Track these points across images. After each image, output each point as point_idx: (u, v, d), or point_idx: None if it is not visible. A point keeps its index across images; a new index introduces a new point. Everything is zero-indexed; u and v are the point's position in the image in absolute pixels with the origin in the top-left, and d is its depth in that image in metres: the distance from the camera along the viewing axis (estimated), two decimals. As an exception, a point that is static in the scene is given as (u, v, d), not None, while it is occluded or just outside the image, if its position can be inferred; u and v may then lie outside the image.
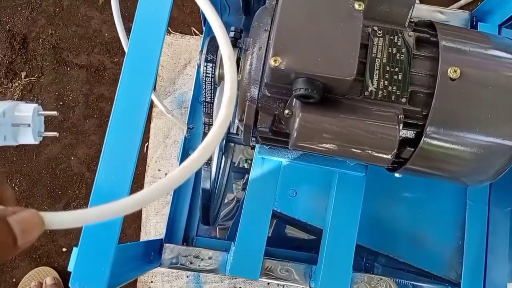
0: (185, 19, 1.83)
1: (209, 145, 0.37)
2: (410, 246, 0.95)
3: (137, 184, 1.67)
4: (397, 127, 0.58)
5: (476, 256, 0.88)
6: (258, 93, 0.62)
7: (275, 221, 1.51)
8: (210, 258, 0.86)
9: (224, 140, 1.29)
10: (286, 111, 0.61)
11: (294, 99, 0.59)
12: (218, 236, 1.52)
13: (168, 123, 1.70)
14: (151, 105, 1.70)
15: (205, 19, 1.31)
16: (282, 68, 0.54)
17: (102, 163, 0.70)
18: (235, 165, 1.53)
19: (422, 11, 1.06)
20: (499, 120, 0.61)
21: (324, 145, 0.58)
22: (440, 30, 0.64)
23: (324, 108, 0.58)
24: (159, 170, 1.66)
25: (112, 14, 1.02)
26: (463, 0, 1.94)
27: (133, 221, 1.64)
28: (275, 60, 0.54)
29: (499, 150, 0.62)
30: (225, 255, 0.85)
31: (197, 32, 1.79)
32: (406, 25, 0.64)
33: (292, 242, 1.45)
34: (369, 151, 0.58)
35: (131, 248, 0.78)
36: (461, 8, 1.89)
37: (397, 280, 0.87)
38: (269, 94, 0.62)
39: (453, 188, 0.95)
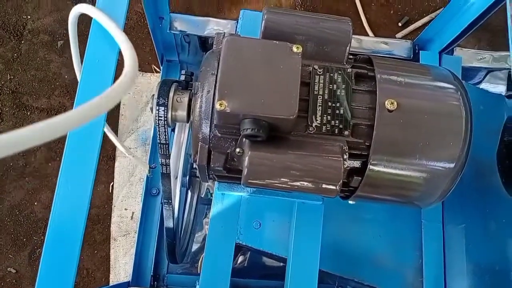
0: (145, 57, 1.86)
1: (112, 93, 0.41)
2: (373, 269, 0.98)
3: (104, 224, 1.65)
4: (342, 159, 0.61)
5: (435, 274, 0.91)
6: (210, 133, 0.65)
7: (249, 251, 1.51)
8: (176, 298, 0.86)
9: (187, 176, 1.30)
10: (237, 150, 0.64)
11: (244, 138, 0.62)
12: (199, 272, 1.51)
13: (133, 162, 1.70)
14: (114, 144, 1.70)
15: (162, 58, 1.34)
16: (228, 111, 0.57)
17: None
18: (202, 196, 1.54)
19: (368, 43, 1.12)
20: (436, 145, 0.65)
21: (273, 180, 0.60)
22: (377, 64, 0.68)
23: (272, 145, 0.61)
24: (125, 209, 1.65)
25: (71, 56, 1.03)
26: (412, 26, 2.06)
27: (101, 263, 1.61)
28: (220, 104, 0.57)
29: (441, 173, 0.66)
30: (190, 294, 0.85)
31: (157, 69, 1.82)
32: (345, 62, 0.68)
33: (271, 270, 1.46)
34: (317, 184, 0.60)
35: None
36: (408, 34, 2.00)
37: None
38: (219, 135, 0.64)
39: (410, 209, 0.99)
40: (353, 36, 1.11)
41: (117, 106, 1.80)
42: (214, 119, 0.62)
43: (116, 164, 1.72)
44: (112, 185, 1.70)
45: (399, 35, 2.01)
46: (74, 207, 0.69)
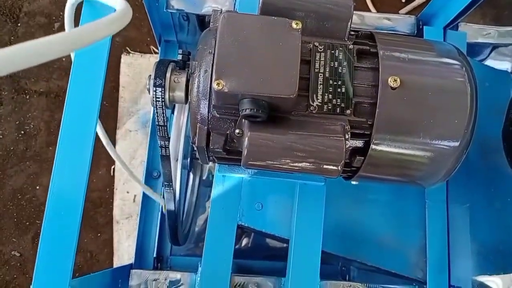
0: (143, 38, 1.83)
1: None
2: (376, 249, 0.97)
3: (106, 208, 1.65)
4: (343, 138, 0.59)
5: (439, 254, 0.90)
6: (208, 114, 0.63)
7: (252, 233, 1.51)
8: (179, 280, 0.86)
9: (189, 158, 1.29)
10: (237, 131, 0.62)
11: (243, 119, 0.60)
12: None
13: (134, 144, 1.69)
14: (115, 126, 1.69)
15: (159, 38, 1.32)
16: (226, 90, 0.55)
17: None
18: (203, 178, 1.53)
19: (371, 19, 1.09)
20: (441, 123, 0.63)
21: (274, 161, 0.59)
22: (380, 40, 0.66)
23: (272, 126, 0.60)
24: (127, 192, 1.65)
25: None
26: (415, 2, 2.01)
27: (104, 246, 1.62)
28: (218, 84, 0.55)
29: (445, 151, 0.65)
30: (193, 276, 0.85)
31: (156, 50, 1.79)
32: (346, 39, 0.66)
33: (274, 251, 1.46)
34: (318, 164, 0.59)
35: (95, 279, 0.77)
36: (412, 10, 1.96)
37: (369, 285, 0.88)
38: (218, 115, 0.63)
39: (413, 189, 0.97)
40: (355, 12, 1.08)
41: (116, 88, 1.78)
42: (212, 99, 0.60)
43: (117, 147, 1.71)
44: (114, 169, 1.70)
45: (402, 11, 1.97)
46: (72, 184, 0.69)
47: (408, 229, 0.97)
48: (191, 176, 1.45)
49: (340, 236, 1.00)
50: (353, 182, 0.75)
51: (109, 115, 1.73)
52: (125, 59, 1.78)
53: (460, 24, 1.11)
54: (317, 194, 0.84)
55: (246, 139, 0.58)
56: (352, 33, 0.68)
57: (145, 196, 1.22)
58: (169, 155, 0.81)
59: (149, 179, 1.23)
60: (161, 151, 0.80)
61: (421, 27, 1.08)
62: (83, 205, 0.69)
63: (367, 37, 0.69)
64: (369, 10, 1.96)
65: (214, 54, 0.61)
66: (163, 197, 0.95)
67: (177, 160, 1.01)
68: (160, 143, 0.78)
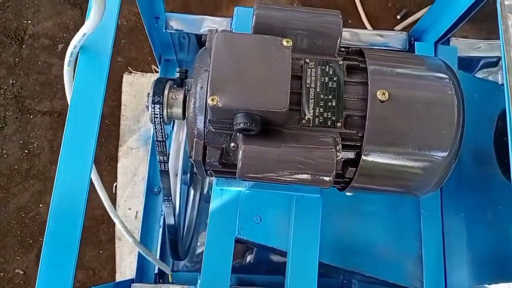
0: (144, 58, 1.87)
1: None
2: (374, 260, 0.99)
3: (109, 224, 1.67)
4: (334, 150, 0.62)
5: (435, 263, 0.91)
6: (204, 129, 0.66)
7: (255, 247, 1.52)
8: (178, 293, 0.87)
9: (189, 174, 1.31)
10: (232, 144, 0.65)
11: (237, 132, 0.63)
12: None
13: (136, 161, 1.72)
14: (117, 144, 1.72)
15: (160, 58, 1.35)
16: (220, 106, 0.58)
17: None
18: (204, 194, 1.55)
19: (364, 36, 1.12)
20: (429, 135, 0.65)
21: (267, 173, 0.61)
22: (368, 56, 0.69)
23: (266, 139, 0.62)
24: (129, 209, 1.67)
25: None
26: (410, 18, 2.05)
27: (107, 263, 1.63)
28: (212, 99, 0.58)
29: (435, 161, 0.67)
30: (192, 289, 0.86)
31: (157, 69, 1.83)
32: (337, 55, 0.69)
33: (277, 265, 1.47)
34: (310, 175, 0.61)
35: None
36: (407, 27, 2.00)
37: None
38: (214, 130, 0.65)
39: (409, 200, 0.99)
40: (349, 29, 1.12)
41: (118, 107, 1.81)
42: (208, 114, 0.63)
43: (119, 164, 1.73)
44: (116, 186, 1.72)
45: (398, 27, 2.01)
46: (72, 202, 0.71)
47: (405, 239, 0.98)
48: (192, 191, 1.47)
49: (338, 247, 1.01)
50: (348, 193, 0.77)
51: (111, 133, 1.76)
52: (126, 78, 1.82)
53: (452, 38, 1.14)
54: (314, 206, 0.86)
55: (241, 152, 0.60)
56: (343, 49, 0.71)
57: (145, 211, 1.24)
58: (168, 170, 0.83)
59: (150, 195, 1.25)
60: (160, 166, 0.82)
61: (412, 42, 1.11)
62: (82, 222, 0.71)
63: (357, 53, 0.72)
64: (365, 27, 2.00)
65: (209, 71, 0.64)
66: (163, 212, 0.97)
67: (176, 175, 1.03)
68: (159, 158, 0.80)
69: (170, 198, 0.90)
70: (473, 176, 0.98)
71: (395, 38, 1.10)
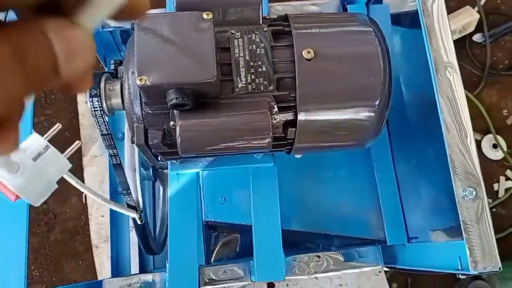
0: (95, 64, 1.85)
1: None
2: (337, 219, 1.02)
3: (84, 235, 1.66)
4: (269, 112, 0.64)
5: (393, 211, 0.95)
6: (142, 112, 0.67)
7: (238, 235, 1.54)
8: (151, 281, 0.88)
9: (151, 169, 1.32)
10: (171, 123, 0.66)
11: (173, 110, 0.64)
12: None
13: (101, 169, 1.71)
14: (80, 154, 1.71)
15: (104, 59, 1.35)
16: (149, 84, 0.59)
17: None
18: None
19: (297, 8, 1.14)
20: (358, 85, 0.68)
21: (208, 145, 0.63)
22: (292, 20, 0.71)
23: (202, 112, 0.64)
24: (102, 216, 1.66)
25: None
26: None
27: (87, 273, 1.62)
28: (140, 79, 0.59)
29: (368, 110, 0.70)
30: (163, 274, 0.87)
31: (108, 74, 1.82)
32: (261, 23, 0.71)
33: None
34: (249, 140, 0.63)
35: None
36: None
37: (342, 251, 0.92)
38: (151, 111, 0.66)
39: (360, 156, 1.03)
40: (282, 3, 1.14)
41: (76, 117, 1.80)
42: (142, 96, 0.64)
43: (85, 174, 1.72)
44: (85, 196, 1.71)
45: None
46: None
47: (363, 194, 1.02)
48: (160, 188, 1.47)
49: (303, 214, 1.04)
50: (297, 156, 0.79)
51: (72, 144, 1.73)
52: (79, 87, 1.79)
53: (384, -4, 1.17)
54: (269, 175, 0.88)
55: (178, 127, 0.62)
56: (268, 17, 0.73)
57: (113, 214, 1.24)
58: (120, 163, 0.84)
59: (115, 195, 1.25)
60: (112, 160, 0.83)
61: (346, 6, 1.14)
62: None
63: (282, 19, 0.74)
64: None
65: (134, 54, 0.65)
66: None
67: (135, 170, 1.03)
68: (109, 152, 0.81)
69: (129, 191, 0.91)
70: (419, 123, 1.02)
71: (327, 4, 1.12)
